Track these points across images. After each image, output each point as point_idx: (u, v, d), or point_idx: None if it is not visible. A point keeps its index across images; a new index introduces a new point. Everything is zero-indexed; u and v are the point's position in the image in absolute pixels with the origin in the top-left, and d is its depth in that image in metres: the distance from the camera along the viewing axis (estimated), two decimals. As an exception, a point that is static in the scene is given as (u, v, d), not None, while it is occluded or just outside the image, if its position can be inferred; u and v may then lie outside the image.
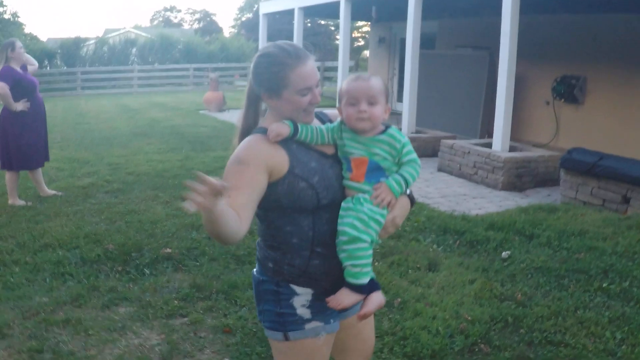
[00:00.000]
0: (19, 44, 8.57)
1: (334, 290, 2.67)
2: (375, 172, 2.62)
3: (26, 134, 8.63)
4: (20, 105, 8.43)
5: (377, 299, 2.66)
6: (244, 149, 2.59)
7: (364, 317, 2.67)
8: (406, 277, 6.05)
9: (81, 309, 5.39)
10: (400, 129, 12.33)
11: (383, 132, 2.66)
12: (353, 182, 2.63)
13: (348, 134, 2.68)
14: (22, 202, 8.77)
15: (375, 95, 2.61)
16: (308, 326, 2.71)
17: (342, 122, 2.71)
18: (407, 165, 2.63)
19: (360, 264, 2.59)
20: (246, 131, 2.74)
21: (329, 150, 2.73)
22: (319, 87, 2.68)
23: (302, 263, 2.67)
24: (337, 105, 2.73)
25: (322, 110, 2.94)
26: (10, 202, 8.77)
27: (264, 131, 2.62)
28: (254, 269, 2.87)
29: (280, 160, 2.58)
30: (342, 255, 2.60)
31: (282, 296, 2.70)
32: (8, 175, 8.81)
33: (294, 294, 2.70)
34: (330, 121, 2.86)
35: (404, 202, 2.74)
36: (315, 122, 2.78)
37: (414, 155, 2.65)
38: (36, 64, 9.25)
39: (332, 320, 2.78)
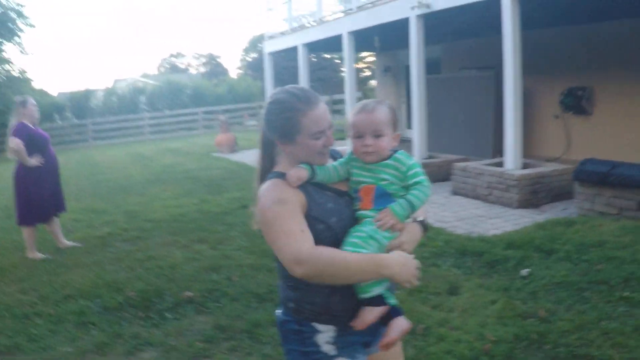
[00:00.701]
0: (31, 100, 8.80)
1: (352, 324, 2.67)
2: (383, 198, 2.63)
3: (38, 188, 8.75)
4: (34, 161, 8.57)
5: (399, 324, 2.64)
6: (275, 190, 2.59)
7: (387, 345, 2.63)
8: (428, 303, 6.04)
9: (106, 357, 5.42)
10: (413, 156, 12.33)
11: (390, 157, 2.67)
12: (363, 211, 2.64)
13: (357, 163, 2.70)
14: (41, 255, 8.81)
15: (380, 127, 2.62)
16: None
17: (352, 153, 2.73)
18: (413, 189, 2.62)
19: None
20: (264, 175, 2.75)
21: (344, 187, 2.75)
22: (331, 129, 2.68)
23: (322, 301, 2.66)
24: (347, 135, 2.74)
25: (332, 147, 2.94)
26: (30, 256, 8.82)
27: (281, 175, 2.63)
28: (278, 310, 2.87)
29: (302, 202, 2.60)
30: None
31: (305, 335, 2.70)
32: (26, 231, 8.89)
33: (316, 331, 2.69)
34: (342, 157, 2.86)
35: (414, 229, 2.73)
36: (329, 161, 2.79)
37: (421, 178, 2.64)
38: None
39: (357, 355, 2.76)
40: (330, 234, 2.60)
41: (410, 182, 2.62)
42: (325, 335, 2.69)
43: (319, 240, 2.55)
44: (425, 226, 2.80)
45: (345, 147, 2.95)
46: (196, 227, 10.08)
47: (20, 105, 8.66)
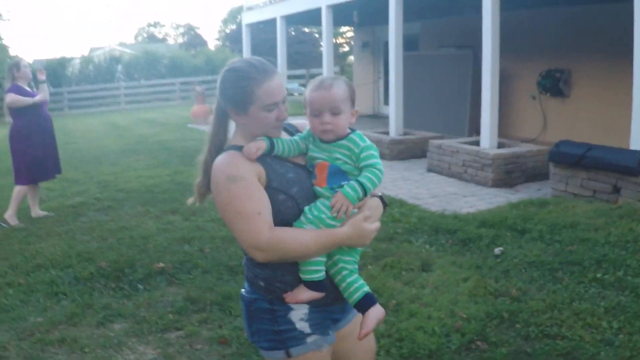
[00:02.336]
0: (24, 62, 9.04)
1: (326, 301, 2.66)
2: (337, 175, 2.58)
3: (32, 149, 8.84)
4: (37, 98, 8.82)
5: (375, 313, 2.64)
6: (229, 166, 2.53)
7: (365, 336, 2.63)
8: (400, 279, 6.04)
9: (76, 327, 5.37)
10: (388, 132, 12.33)
11: (346, 136, 2.61)
12: (317, 188, 2.60)
13: (313, 141, 2.66)
14: (17, 223, 8.79)
15: (337, 105, 2.55)
16: (309, 339, 2.65)
17: (309, 131, 2.68)
18: (366, 171, 2.55)
19: (309, 263, 2.57)
20: (218, 148, 2.70)
21: (302, 161, 2.70)
22: (285, 103, 2.62)
23: (293, 279, 2.62)
24: (304, 110, 2.67)
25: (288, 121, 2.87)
26: (6, 215, 8.85)
27: (237, 148, 2.58)
28: (242, 290, 2.82)
29: (260, 174, 2.54)
30: None
31: (278, 313, 2.64)
32: (17, 189, 8.95)
33: (290, 309, 2.64)
34: (298, 131, 2.80)
35: (375, 204, 2.70)
36: (283, 135, 2.73)
37: (374, 160, 2.57)
38: (47, 97, 9.26)
39: (330, 332, 2.74)
40: (292, 204, 2.56)
41: (362, 164, 2.56)
42: (299, 312, 2.64)
43: (281, 212, 2.54)
44: (384, 202, 2.78)
45: (301, 119, 2.88)
46: (169, 198, 10.02)
47: (13, 68, 8.82)
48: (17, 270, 6.81)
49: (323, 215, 2.54)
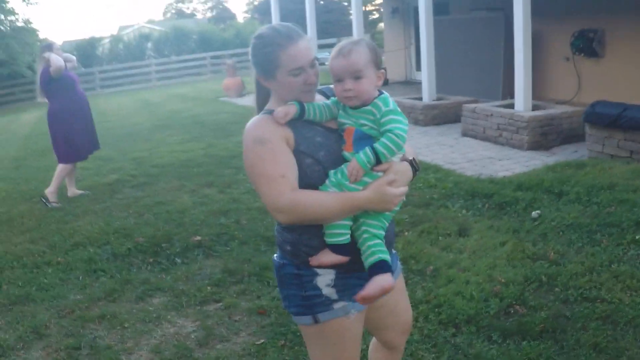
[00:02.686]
0: (56, 45, 9.14)
1: (354, 267, 2.62)
2: (363, 141, 2.55)
3: (73, 129, 9.02)
4: (66, 60, 8.99)
5: (380, 282, 2.52)
6: (257, 129, 2.55)
7: (363, 299, 2.53)
8: (437, 245, 6.02)
9: (115, 303, 5.45)
10: (422, 98, 12.20)
11: (372, 101, 2.58)
12: (345, 153, 2.59)
13: (341, 107, 2.65)
14: (56, 201, 8.96)
15: (359, 69, 2.51)
16: (336, 306, 2.65)
17: None
18: (384, 137, 2.51)
19: (333, 226, 2.56)
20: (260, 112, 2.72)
21: (334, 126, 2.68)
22: (314, 67, 2.61)
23: (319, 243, 2.61)
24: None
25: (328, 86, 2.86)
26: (47, 190, 9.01)
27: (269, 112, 2.59)
28: (275, 255, 2.83)
29: (288, 137, 2.55)
30: None
31: (304, 278, 2.65)
32: (60, 167, 9.11)
33: (316, 274, 2.63)
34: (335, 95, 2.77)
35: (403, 168, 2.63)
36: (320, 98, 2.74)
37: (393, 125, 2.51)
38: (74, 59, 9.68)
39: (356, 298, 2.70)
40: (318, 167, 2.56)
41: (383, 128, 2.52)
42: (325, 278, 2.63)
43: (307, 175, 2.55)
44: (415, 166, 2.71)
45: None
46: (203, 172, 10.09)
47: (46, 49, 8.90)
48: (56, 249, 6.92)
49: (345, 181, 2.52)
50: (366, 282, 2.54)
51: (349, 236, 2.59)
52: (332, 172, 2.56)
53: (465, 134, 11.66)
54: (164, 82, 35.02)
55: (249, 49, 2.68)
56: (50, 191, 8.95)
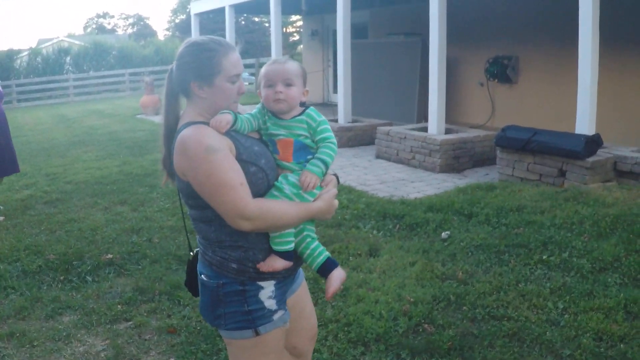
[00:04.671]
0: None
1: (288, 273, 2.78)
2: (302, 150, 2.70)
3: None
4: None
5: (338, 275, 2.78)
6: (205, 138, 2.49)
7: (332, 295, 2.75)
8: (347, 264, 6.02)
9: (25, 321, 5.28)
10: (337, 120, 12.30)
11: (302, 113, 2.72)
12: (283, 162, 2.70)
13: (271, 119, 2.72)
14: None
15: (291, 77, 2.68)
16: (276, 316, 2.71)
17: (263, 107, 2.73)
18: (323, 146, 2.70)
19: (282, 234, 2.68)
20: (170, 132, 2.68)
21: (256, 136, 2.74)
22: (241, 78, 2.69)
23: (263, 257, 2.67)
24: (257, 90, 2.76)
25: None
26: None
27: (202, 123, 2.57)
28: (203, 276, 2.76)
29: (230, 146, 2.56)
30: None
31: (248, 294, 2.66)
32: None
33: (260, 288, 2.67)
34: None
35: (334, 181, 2.82)
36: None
37: (329, 134, 2.72)
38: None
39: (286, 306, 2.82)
40: (262, 175, 2.60)
41: (319, 137, 2.70)
42: (267, 291, 2.68)
43: (252, 183, 2.56)
44: (337, 179, 2.89)
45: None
46: (117, 189, 9.92)
47: None
48: (-36, 264, 6.66)
49: (297, 190, 2.66)
50: (296, 284, 2.95)
51: (294, 243, 2.73)
52: (280, 182, 2.66)
53: (379, 156, 11.75)
54: (82, 98, 34.36)
55: (178, 57, 2.66)
56: None
